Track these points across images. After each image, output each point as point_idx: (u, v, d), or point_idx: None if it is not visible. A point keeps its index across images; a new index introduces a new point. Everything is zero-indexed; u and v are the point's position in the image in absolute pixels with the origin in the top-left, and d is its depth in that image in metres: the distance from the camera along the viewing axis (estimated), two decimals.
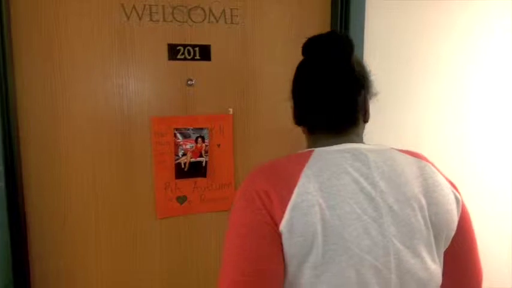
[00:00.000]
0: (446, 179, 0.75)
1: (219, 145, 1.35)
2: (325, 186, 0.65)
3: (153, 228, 1.33)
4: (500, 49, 1.53)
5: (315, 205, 0.63)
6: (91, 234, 1.28)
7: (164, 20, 1.24)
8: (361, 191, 0.66)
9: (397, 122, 1.47)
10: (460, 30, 1.48)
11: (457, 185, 0.76)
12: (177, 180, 1.32)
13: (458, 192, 0.75)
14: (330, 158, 0.69)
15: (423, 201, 0.68)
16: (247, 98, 1.35)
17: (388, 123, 1.44)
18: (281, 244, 0.63)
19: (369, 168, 0.68)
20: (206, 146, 1.33)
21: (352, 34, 1.34)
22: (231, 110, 1.34)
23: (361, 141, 0.77)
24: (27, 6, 1.14)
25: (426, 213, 0.68)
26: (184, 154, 1.32)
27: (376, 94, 0.81)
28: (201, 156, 1.33)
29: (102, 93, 1.23)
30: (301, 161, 0.69)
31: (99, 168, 1.25)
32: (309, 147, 0.79)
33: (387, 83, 1.43)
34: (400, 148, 0.77)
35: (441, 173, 0.75)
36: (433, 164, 0.75)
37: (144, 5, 1.22)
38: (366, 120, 0.80)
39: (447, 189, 0.73)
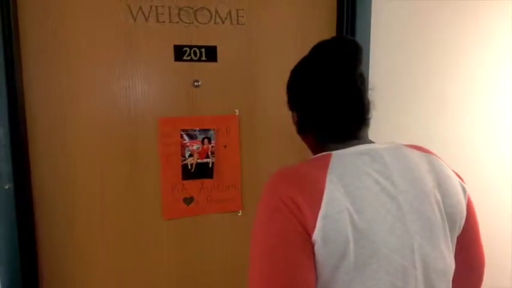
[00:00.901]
0: (452, 170, 0.77)
1: (225, 146, 1.35)
2: (349, 190, 0.65)
3: (159, 229, 1.33)
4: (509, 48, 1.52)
5: (344, 210, 0.63)
6: (98, 234, 1.28)
7: (170, 21, 1.24)
8: (383, 191, 0.67)
9: (405, 122, 1.45)
10: (469, 30, 1.47)
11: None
12: (184, 181, 1.32)
13: (464, 182, 0.78)
14: (350, 161, 0.69)
15: (438, 195, 0.71)
16: (253, 99, 1.35)
17: (395, 123, 1.43)
18: (313, 252, 0.62)
19: (387, 168, 0.69)
20: (212, 147, 1.33)
21: (359, 35, 1.33)
22: (237, 111, 1.34)
23: (371, 141, 0.78)
24: (35, 8, 1.15)
25: (442, 206, 0.71)
26: (191, 155, 1.32)
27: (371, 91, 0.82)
28: (207, 157, 1.33)
29: (108, 94, 1.23)
30: (323, 165, 0.68)
31: (107, 169, 1.26)
32: (315, 153, 0.78)
33: (394, 83, 1.43)
34: (410, 145, 0.78)
35: (448, 166, 0.77)
36: (439, 157, 0.78)
37: (151, 6, 1.22)
38: (368, 125, 0.81)
39: (455, 180, 0.76)
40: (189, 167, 1.32)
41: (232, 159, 1.36)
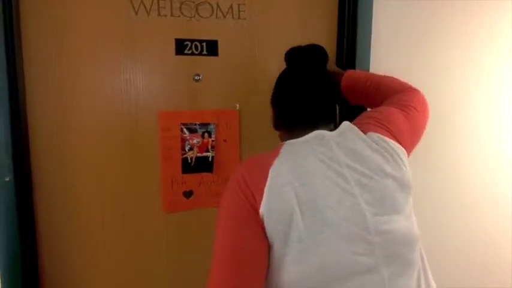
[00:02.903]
0: (394, 135, 0.85)
1: (225, 140, 1.35)
2: (295, 167, 0.73)
3: (159, 223, 1.33)
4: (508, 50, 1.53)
5: (288, 184, 0.71)
6: (98, 226, 1.28)
7: (172, 15, 1.24)
8: (328, 168, 0.74)
9: None
10: (471, 30, 1.48)
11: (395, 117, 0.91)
12: (184, 175, 1.33)
13: (401, 142, 0.86)
14: (298, 146, 0.80)
15: (388, 169, 0.77)
16: (254, 94, 1.35)
17: None
18: (263, 227, 0.70)
19: (332, 150, 0.77)
20: (213, 141, 1.34)
21: (360, 30, 1.34)
22: (237, 105, 1.34)
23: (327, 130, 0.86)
24: (36, 3, 1.14)
25: (394, 179, 0.77)
26: (191, 149, 1.32)
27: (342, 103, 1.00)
28: (207, 151, 1.34)
29: (109, 87, 1.23)
30: (274, 152, 0.79)
31: (107, 162, 1.26)
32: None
33: None
34: (359, 119, 0.90)
35: (391, 136, 0.84)
36: (382, 133, 0.84)
37: (152, 0, 1.22)
38: (335, 124, 0.92)
39: (398, 149, 0.82)
40: (189, 161, 1.33)
41: (232, 154, 1.37)
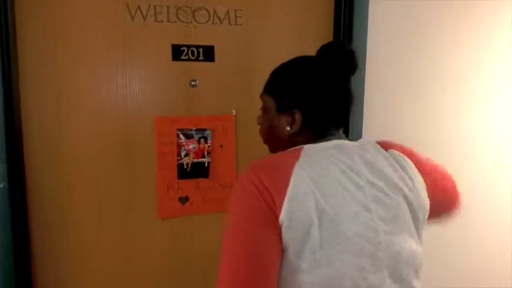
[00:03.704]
0: (415, 163, 0.83)
1: (221, 146, 1.35)
2: (316, 177, 0.70)
3: (154, 228, 1.33)
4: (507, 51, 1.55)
5: (310, 193, 0.67)
6: (93, 233, 1.28)
7: (169, 21, 1.24)
8: (349, 180, 0.72)
9: (402, 123, 1.47)
10: (466, 31, 1.49)
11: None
12: (180, 181, 1.32)
13: (423, 173, 0.83)
14: (319, 153, 0.75)
15: (403, 187, 0.76)
16: (250, 99, 1.35)
17: (392, 124, 1.45)
18: (280, 233, 0.67)
19: (354, 162, 0.75)
20: (209, 146, 1.34)
21: (356, 37, 1.35)
22: (234, 111, 1.34)
23: (344, 137, 0.83)
24: (32, 7, 1.14)
25: (407, 199, 0.76)
26: (186, 154, 1.32)
27: None
28: (203, 156, 1.34)
29: (106, 92, 1.23)
30: (294, 155, 0.74)
31: (102, 168, 1.25)
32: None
33: (391, 85, 1.44)
34: (379, 140, 0.85)
35: (412, 160, 0.83)
36: (404, 153, 0.83)
37: (149, 6, 1.22)
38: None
39: (416, 173, 0.81)
40: (185, 167, 1.32)
41: (228, 159, 1.36)
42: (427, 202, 0.80)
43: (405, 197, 0.76)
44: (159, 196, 1.31)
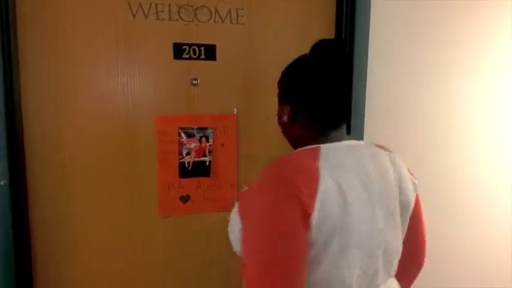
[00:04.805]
0: (407, 169, 0.90)
1: (223, 145, 1.35)
2: (338, 180, 0.72)
3: (156, 227, 1.33)
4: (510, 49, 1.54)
5: (336, 199, 0.70)
6: (93, 231, 1.27)
7: (170, 19, 1.24)
8: (360, 182, 0.76)
9: (404, 123, 1.47)
10: (469, 30, 1.49)
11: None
12: (181, 180, 1.32)
13: (416, 179, 0.90)
14: (336, 155, 0.78)
15: (397, 189, 0.83)
16: (251, 98, 1.35)
17: (395, 124, 1.45)
18: (309, 233, 0.68)
19: (363, 162, 0.79)
20: (210, 145, 1.33)
21: (358, 35, 1.34)
22: (235, 109, 1.34)
23: (349, 137, 0.86)
24: (33, 5, 1.14)
25: (400, 198, 0.83)
26: (188, 153, 1.32)
27: None
28: (204, 155, 1.33)
29: (107, 91, 1.22)
30: (314, 156, 0.76)
31: (103, 166, 1.25)
32: (298, 146, 0.86)
33: (393, 84, 1.44)
34: (375, 144, 0.91)
35: (404, 164, 0.89)
36: (397, 156, 0.89)
37: (151, 4, 1.22)
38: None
39: (409, 176, 0.88)
40: (186, 165, 1.32)
41: (229, 158, 1.36)
42: (412, 202, 0.87)
43: (399, 197, 0.83)
44: (160, 195, 1.31)
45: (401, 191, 0.84)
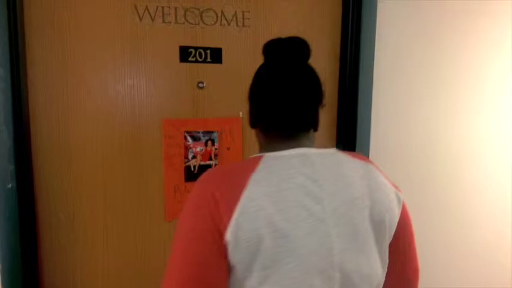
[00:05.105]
0: (389, 181, 0.78)
1: (228, 148, 1.34)
2: (272, 191, 0.66)
3: (161, 231, 1.32)
4: None
5: (262, 209, 0.64)
6: (100, 235, 1.27)
7: (176, 22, 1.24)
8: (308, 194, 0.67)
9: (409, 124, 1.45)
10: (476, 31, 1.47)
11: (399, 186, 0.80)
12: (187, 183, 1.31)
13: (400, 192, 0.78)
14: (278, 164, 0.70)
15: (367, 202, 0.71)
16: None
17: (399, 124, 1.43)
18: (226, 252, 0.63)
19: (316, 172, 0.70)
20: (216, 149, 1.33)
21: (364, 37, 1.33)
22: (241, 113, 1.33)
23: (311, 145, 0.78)
24: (41, 8, 1.14)
25: (370, 212, 0.71)
26: (194, 157, 1.31)
27: (324, 105, 0.82)
28: (210, 159, 1.33)
29: (113, 94, 1.23)
30: (250, 166, 0.70)
31: (109, 169, 1.25)
32: (260, 151, 0.80)
33: (399, 84, 1.42)
34: (348, 152, 0.80)
35: (384, 175, 0.78)
36: (377, 167, 0.79)
37: (157, 7, 1.22)
38: (316, 129, 0.81)
39: (389, 189, 0.76)
40: (192, 169, 1.32)
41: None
42: (395, 217, 0.75)
43: (371, 213, 0.71)
44: (166, 198, 1.30)
45: (373, 205, 0.72)
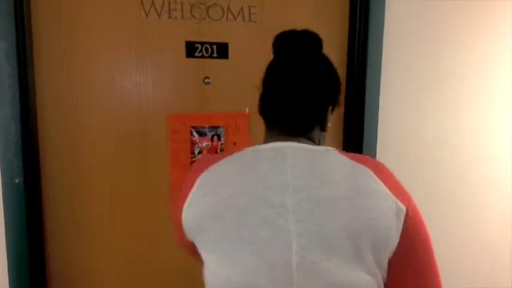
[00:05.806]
0: (394, 189, 0.67)
1: (234, 143, 1.34)
2: (231, 180, 0.68)
3: (168, 226, 1.32)
4: None
5: (209, 194, 0.67)
6: (106, 230, 1.28)
7: (182, 17, 1.24)
8: (270, 186, 0.65)
9: (418, 123, 1.44)
10: (485, 30, 1.45)
11: (410, 196, 0.69)
12: None
13: (406, 203, 0.67)
14: (250, 155, 0.71)
15: (346, 205, 0.63)
16: None
17: (408, 123, 1.43)
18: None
19: (285, 166, 0.67)
20: (222, 144, 1.33)
21: (372, 32, 1.32)
22: (247, 108, 1.33)
23: (306, 142, 0.73)
24: (48, 5, 1.14)
25: (350, 217, 0.63)
26: (200, 152, 1.31)
27: (339, 105, 0.80)
28: None
29: (119, 89, 1.23)
30: (223, 156, 0.73)
31: (116, 165, 1.26)
32: (263, 142, 0.78)
33: (406, 86, 1.41)
34: (350, 153, 0.72)
35: (385, 181, 0.67)
36: (380, 171, 0.69)
37: (163, 2, 1.21)
38: (323, 129, 0.78)
39: (382, 196, 0.65)
40: None
41: None
42: (387, 228, 0.64)
43: (351, 218, 0.63)
44: (173, 193, 1.31)
45: (355, 210, 0.63)
